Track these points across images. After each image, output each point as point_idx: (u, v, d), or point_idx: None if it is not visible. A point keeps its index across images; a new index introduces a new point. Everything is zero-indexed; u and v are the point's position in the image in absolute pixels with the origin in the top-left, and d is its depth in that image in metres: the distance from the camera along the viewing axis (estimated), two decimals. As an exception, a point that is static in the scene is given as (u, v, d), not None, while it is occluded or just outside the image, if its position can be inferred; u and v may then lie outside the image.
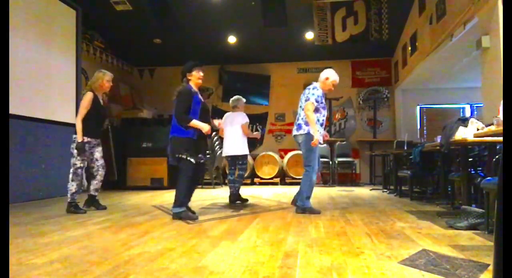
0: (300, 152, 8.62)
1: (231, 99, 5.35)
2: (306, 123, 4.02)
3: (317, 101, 3.97)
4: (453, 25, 5.31)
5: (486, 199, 2.83)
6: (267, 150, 9.11)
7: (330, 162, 8.47)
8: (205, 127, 3.60)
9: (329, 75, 4.11)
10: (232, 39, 8.66)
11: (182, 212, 3.56)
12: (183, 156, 3.56)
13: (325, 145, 8.76)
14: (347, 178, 8.77)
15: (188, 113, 3.57)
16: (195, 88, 3.72)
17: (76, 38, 6.69)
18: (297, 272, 1.83)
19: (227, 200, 5.09)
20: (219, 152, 7.97)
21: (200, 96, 3.75)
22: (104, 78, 4.21)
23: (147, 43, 8.75)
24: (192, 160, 3.57)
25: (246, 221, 3.46)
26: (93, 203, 4.34)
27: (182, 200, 3.60)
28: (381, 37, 7.38)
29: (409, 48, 7.66)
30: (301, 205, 3.98)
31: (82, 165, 4.14)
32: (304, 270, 1.87)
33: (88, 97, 4.09)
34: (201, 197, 5.89)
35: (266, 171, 8.69)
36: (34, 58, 5.64)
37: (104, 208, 4.35)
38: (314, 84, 4.13)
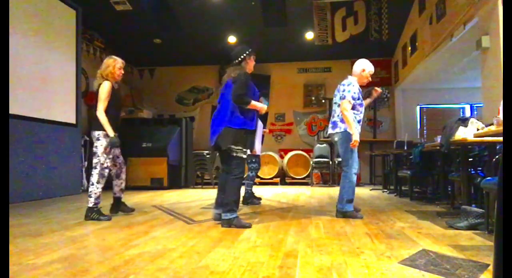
0: (299, 152, 8.74)
1: None
2: (342, 121, 3.68)
3: (353, 98, 3.65)
4: (453, 25, 5.30)
5: (486, 199, 2.83)
6: (267, 150, 9.11)
7: (330, 162, 8.47)
8: (263, 106, 3.24)
9: (365, 66, 3.84)
10: (232, 39, 8.66)
11: (234, 218, 3.11)
12: (235, 150, 3.11)
13: (325, 144, 8.78)
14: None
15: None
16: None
17: (76, 38, 6.69)
18: (297, 272, 1.83)
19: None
20: (219, 152, 7.98)
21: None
22: (116, 65, 3.69)
23: (147, 43, 8.75)
24: (244, 156, 3.16)
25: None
26: (119, 206, 3.91)
27: (233, 205, 3.13)
28: (381, 37, 7.38)
29: (409, 48, 7.66)
30: (341, 209, 3.63)
31: (109, 164, 3.67)
32: (304, 270, 1.87)
33: (107, 87, 3.59)
34: (201, 197, 5.89)
35: (266, 171, 8.69)
36: (34, 58, 5.65)
37: (132, 210, 3.99)
38: (350, 79, 3.80)
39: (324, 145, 8.77)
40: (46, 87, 5.88)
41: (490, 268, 1.84)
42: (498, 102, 3.41)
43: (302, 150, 8.96)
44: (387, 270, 1.86)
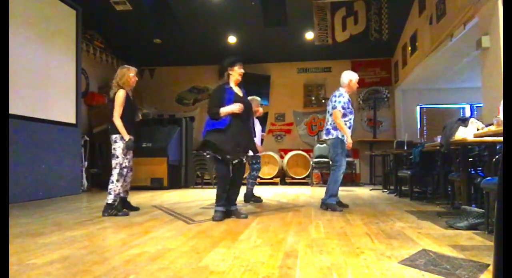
0: (299, 152, 8.74)
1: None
2: (334, 128, 4.26)
3: (343, 108, 4.23)
4: (453, 25, 5.31)
5: (486, 199, 2.83)
6: (267, 150, 9.11)
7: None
8: (233, 107, 3.46)
9: (351, 77, 4.38)
10: (232, 39, 8.66)
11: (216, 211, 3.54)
12: (206, 152, 3.52)
13: (325, 144, 8.78)
14: (347, 178, 8.74)
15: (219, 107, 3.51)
16: (233, 84, 3.68)
17: (76, 38, 6.69)
18: (297, 272, 1.83)
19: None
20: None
21: (237, 91, 3.68)
22: (130, 73, 4.03)
23: (147, 43, 8.75)
24: (219, 156, 3.50)
25: (246, 221, 3.46)
26: (124, 205, 4.15)
27: (219, 200, 3.55)
28: (381, 37, 7.38)
29: (409, 48, 7.66)
30: (324, 200, 4.26)
31: (127, 164, 3.98)
32: (304, 270, 1.87)
33: (122, 95, 3.92)
34: (201, 197, 5.89)
35: (266, 171, 8.69)
36: (34, 58, 5.65)
37: (137, 209, 4.25)
38: (340, 90, 4.35)
39: (324, 145, 8.75)
40: (46, 87, 5.89)
41: (490, 268, 1.84)
42: (498, 102, 3.41)
43: (302, 150, 8.97)
44: (387, 270, 1.86)
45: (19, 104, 5.21)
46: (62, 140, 6.15)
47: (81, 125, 6.93)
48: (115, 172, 3.88)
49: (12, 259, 2.09)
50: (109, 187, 3.87)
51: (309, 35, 8.21)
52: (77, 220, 3.59)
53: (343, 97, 4.27)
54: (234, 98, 3.56)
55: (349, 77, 4.37)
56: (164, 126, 8.25)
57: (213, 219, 3.47)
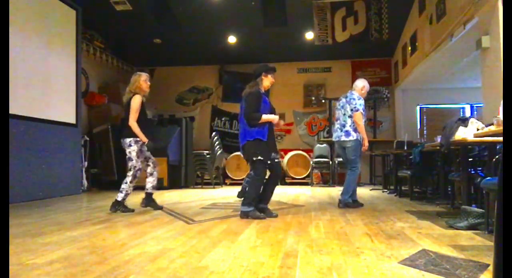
0: (299, 152, 8.73)
1: None
2: (355, 130, 4.42)
3: (363, 110, 4.48)
4: (453, 25, 5.31)
5: (486, 199, 2.83)
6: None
7: (330, 162, 8.47)
8: (275, 117, 3.71)
9: (365, 84, 4.65)
10: (232, 39, 8.66)
11: (250, 211, 3.59)
12: (257, 158, 3.62)
13: (325, 144, 8.79)
14: (347, 178, 8.76)
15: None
16: (262, 90, 3.85)
17: (76, 38, 6.69)
18: (297, 272, 1.83)
19: (227, 200, 5.16)
20: (219, 152, 7.98)
21: (267, 98, 3.89)
22: (141, 79, 4.19)
23: (147, 43, 8.75)
24: (265, 160, 3.65)
25: (246, 221, 3.46)
26: (149, 201, 4.32)
27: (252, 200, 3.62)
28: (381, 37, 7.37)
29: (409, 48, 7.66)
30: (345, 200, 4.39)
31: (141, 166, 4.18)
32: (304, 270, 1.87)
33: (138, 100, 4.11)
34: (201, 197, 5.89)
35: (266, 171, 8.68)
36: (34, 58, 5.65)
37: (160, 208, 4.34)
38: (355, 94, 4.54)
39: (324, 145, 8.77)
40: (46, 87, 5.88)
41: (490, 268, 1.84)
42: (498, 102, 3.41)
43: (302, 150, 8.96)
44: (387, 270, 1.86)
45: (19, 104, 5.21)
46: (62, 140, 6.15)
47: (81, 125, 6.92)
48: (130, 174, 4.10)
49: (12, 259, 2.09)
50: (122, 186, 4.09)
51: (309, 35, 8.21)
52: (77, 220, 3.59)
53: (362, 100, 4.48)
54: (270, 108, 3.81)
55: (364, 83, 4.64)
56: (164, 126, 8.25)
57: (259, 218, 3.53)
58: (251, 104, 3.67)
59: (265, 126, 3.67)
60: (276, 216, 3.65)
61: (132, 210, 4.09)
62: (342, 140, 4.50)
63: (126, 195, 4.11)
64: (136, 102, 4.09)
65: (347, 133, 4.45)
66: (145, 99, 4.27)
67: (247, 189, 3.79)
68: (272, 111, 3.82)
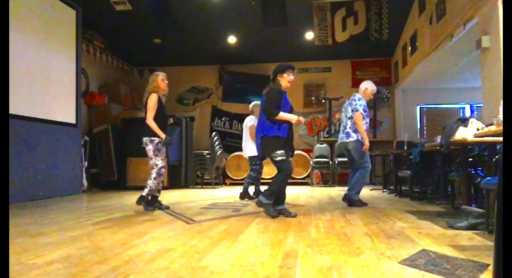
0: (299, 152, 8.73)
1: (251, 104, 5.65)
2: (355, 131, 4.50)
3: (364, 111, 4.52)
4: (453, 25, 5.31)
5: (486, 199, 2.83)
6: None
7: (330, 162, 8.47)
8: (293, 117, 3.75)
9: (368, 86, 4.66)
10: (232, 39, 8.66)
11: (266, 204, 3.61)
12: (276, 155, 3.60)
13: (325, 144, 8.78)
14: (347, 178, 8.73)
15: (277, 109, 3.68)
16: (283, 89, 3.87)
17: (76, 38, 6.69)
18: (297, 272, 1.83)
19: (227, 200, 5.20)
20: (219, 152, 7.98)
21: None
22: (158, 78, 4.30)
23: (147, 43, 8.75)
24: (287, 158, 3.65)
25: (246, 221, 3.46)
26: (155, 203, 4.38)
27: (272, 193, 3.64)
28: (381, 37, 7.37)
29: (409, 48, 7.66)
30: (350, 196, 4.53)
31: (163, 163, 4.30)
32: (304, 270, 1.87)
33: (154, 98, 4.24)
34: (201, 197, 5.89)
35: (266, 171, 8.65)
36: (34, 58, 5.65)
37: (167, 208, 4.39)
38: (357, 95, 4.62)
39: (324, 145, 8.77)
40: (46, 87, 5.88)
41: (490, 268, 1.84)
42: (498, 102, 3.41)
43: (302, 150, 8.96)
44: (387, 270, 1.86)
45: (19, 104, 5.21)
46: (62, 140, 6.15)
47: (81, 125, 6.92)
48: (153, 171, 4.24)
49: (12, 259, 2.09)
50: (147, 182, 4.23)
51: (309, 35, 8.21)
52: (77, 220, 3.59)
53: (363, 101, 4.56)
54: (290, 108, 3.89)
55: (366, 85, 4.67)
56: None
57: (270, 214, 3.55)
58: (270, 99, 3.72)
59: (285, 124, 3.71)
60: (295, 216, 3.61)
61: (153, 209, 4.16)
62: (344, 141, 4.62)
63: (151, 190, 4.20)
64: (153, 100, 4.22)
65: (348, 135, 4.56)
66: (165, 98, 4.41)
67: (272, 181, 3.78)
68: (291, 111, 3.89)
